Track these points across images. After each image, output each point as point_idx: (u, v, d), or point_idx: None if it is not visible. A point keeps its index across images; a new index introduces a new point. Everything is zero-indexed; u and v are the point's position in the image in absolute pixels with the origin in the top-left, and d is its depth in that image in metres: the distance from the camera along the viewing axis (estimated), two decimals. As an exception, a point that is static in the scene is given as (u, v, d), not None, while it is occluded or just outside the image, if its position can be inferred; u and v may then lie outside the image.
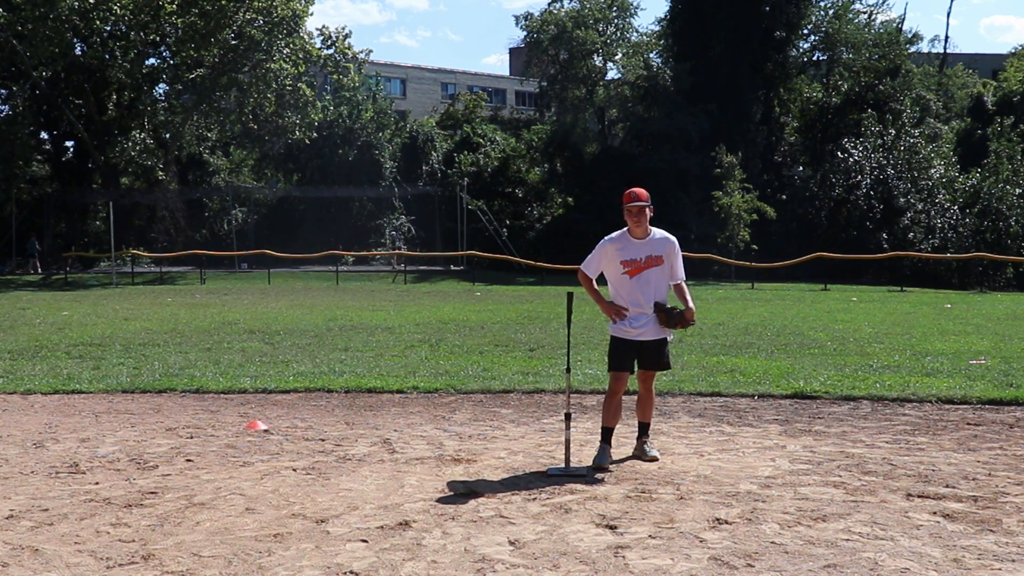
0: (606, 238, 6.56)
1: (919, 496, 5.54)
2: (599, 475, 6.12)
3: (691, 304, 6.47)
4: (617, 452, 6.67)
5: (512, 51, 77.02)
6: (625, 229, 6.49)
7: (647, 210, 6.42)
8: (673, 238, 6.57)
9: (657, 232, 6.49)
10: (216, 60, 41.13)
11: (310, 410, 8.80)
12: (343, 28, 46.11)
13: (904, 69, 48.33)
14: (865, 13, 50.22)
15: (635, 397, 6.74)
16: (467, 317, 19.25)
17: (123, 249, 40.52)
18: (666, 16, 48.32)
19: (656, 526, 4.99)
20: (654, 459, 6.52)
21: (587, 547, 4.66)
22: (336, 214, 46.09)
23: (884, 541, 4.71)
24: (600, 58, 49.46)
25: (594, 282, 6.62)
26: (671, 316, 6.39)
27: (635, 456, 6.61)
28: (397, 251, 43.02)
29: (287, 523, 5.11)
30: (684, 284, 6.58)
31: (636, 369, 6.55)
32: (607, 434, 6.48)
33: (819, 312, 20.99)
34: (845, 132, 45.52)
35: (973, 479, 5.96)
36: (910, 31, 60.94)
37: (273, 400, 9.43)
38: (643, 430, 6.68)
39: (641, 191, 6.44)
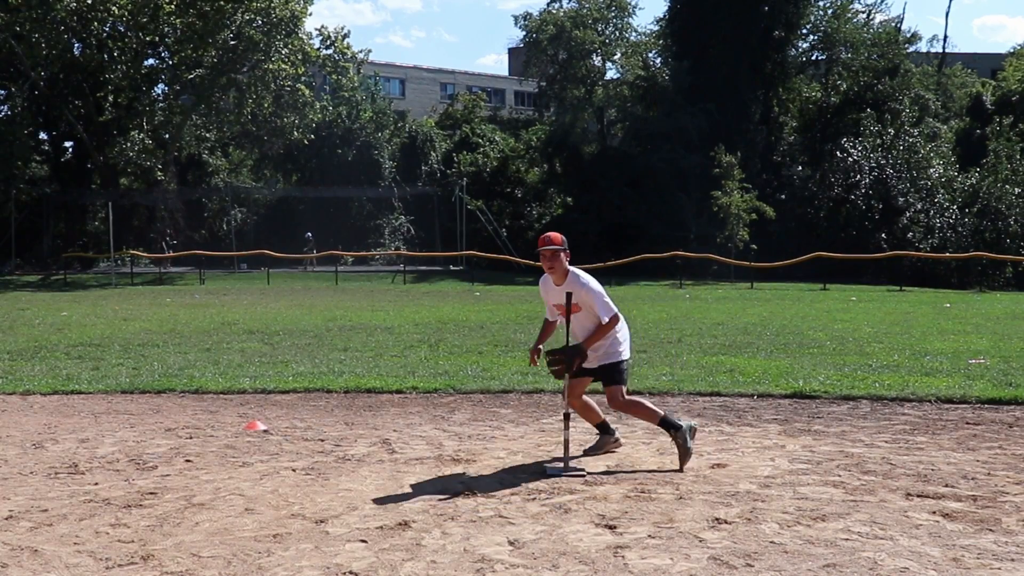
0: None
1: (918, 495, 5.54)
2: (603, 467, 6.12)
3: (583, 346, 6.14)
4: (619, 452, 6.67)
5: (511, 51, 77.04)
6: None
7: (561, 255, 6.15)
8: (587, 279, 6.17)
9: (572, 276, 6.18)
10: (215, 61, 41.13)
11: (309, 410, 8.80)
12: (342, 28, 46.14)
13: (903, 69, 48.38)
14: (864, 13, 50.32)
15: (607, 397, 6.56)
16: (466, 317, 19.25)
17: (122, 249, 40.51)
18: (665, 16, 48.39)
19: (655, 526, 4.99)
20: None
21: (586, 547, 4.66)
22: (335, 214, 46.10)
23: (883, 540, 4.71)
24: (599, 58, 49.47)
25: (545, 320, 6.69)
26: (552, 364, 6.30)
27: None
28: (398, 251, 43.05)
29: (286, 523, 5.11)
30: (605, 326, 6.15)
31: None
32: (602, 427, 6.76)
33: (818, 312, 20.99)
34: (844, 132, 45.55)
35: (972, 478, 5.96)
36: (908, 31, 60.89)
37: (272, 400, 9.43)
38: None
39: (555, 235, 6.20)
